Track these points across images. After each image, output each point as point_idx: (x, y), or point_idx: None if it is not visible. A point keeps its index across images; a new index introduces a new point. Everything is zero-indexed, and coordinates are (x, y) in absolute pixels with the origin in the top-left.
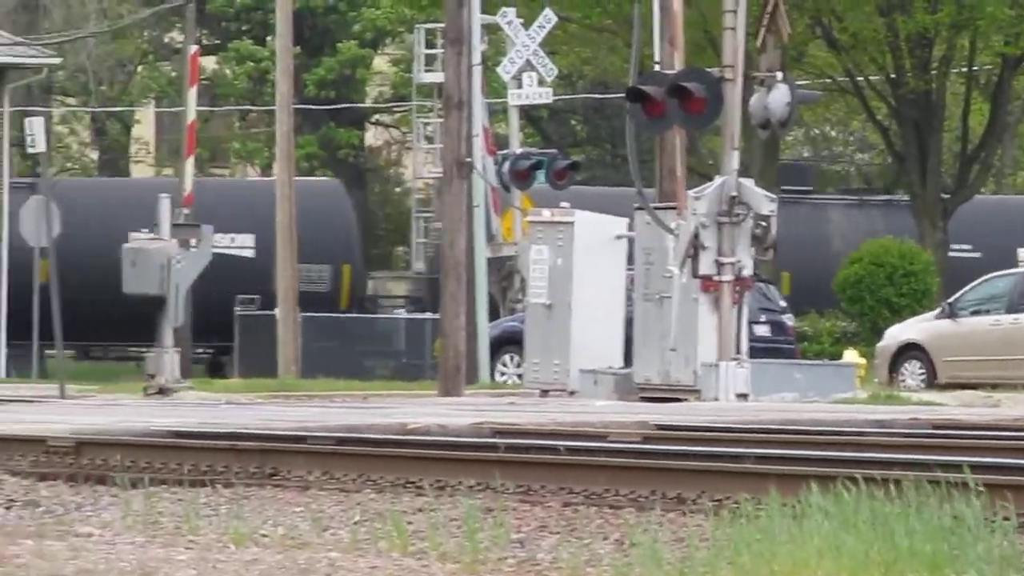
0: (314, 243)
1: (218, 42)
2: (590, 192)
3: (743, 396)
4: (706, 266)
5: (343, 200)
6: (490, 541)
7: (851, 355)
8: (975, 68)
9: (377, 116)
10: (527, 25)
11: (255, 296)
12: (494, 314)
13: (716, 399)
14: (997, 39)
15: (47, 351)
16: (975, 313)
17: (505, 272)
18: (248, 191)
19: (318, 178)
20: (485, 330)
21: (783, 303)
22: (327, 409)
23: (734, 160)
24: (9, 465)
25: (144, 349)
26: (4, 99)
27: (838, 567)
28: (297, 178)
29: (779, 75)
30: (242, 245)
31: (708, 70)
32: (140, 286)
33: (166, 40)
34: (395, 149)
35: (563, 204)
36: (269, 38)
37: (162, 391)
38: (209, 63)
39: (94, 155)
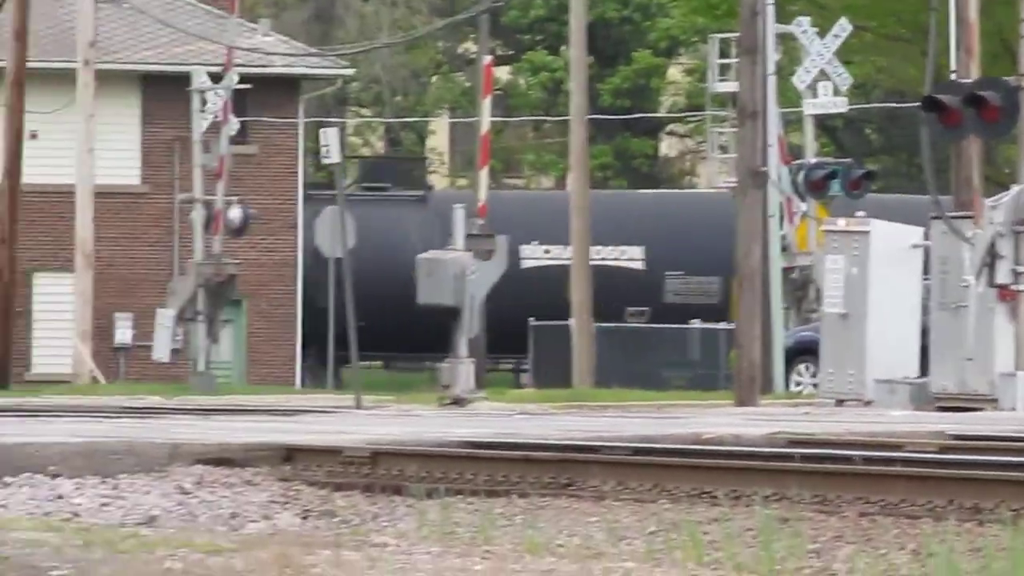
0: (704, 255)
1: (512, 53)
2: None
3: None
4: (1003, 275)
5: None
6: (786, 551)
7: None
8: None
9: (671, 126)
10: (822, 34)
11: (645, 308)
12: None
13: (1013, 409)
14: None
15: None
16: None
17: (800, 282)
18: (637, 204)
19: (708, 191)
20: (780, 340)
21: None
22: (621, 419)
23: None
24: (305, 475)
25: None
26: (299, 110)
27: None
28: (688, 191)
29: None
30: (632, 257)
31: (1004, 79)
32: (434, 296)
33: (460, 51)
34: (689, 159)
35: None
36: (563, 48)
37: (456, 402)
38: (503, 73)
39: None
